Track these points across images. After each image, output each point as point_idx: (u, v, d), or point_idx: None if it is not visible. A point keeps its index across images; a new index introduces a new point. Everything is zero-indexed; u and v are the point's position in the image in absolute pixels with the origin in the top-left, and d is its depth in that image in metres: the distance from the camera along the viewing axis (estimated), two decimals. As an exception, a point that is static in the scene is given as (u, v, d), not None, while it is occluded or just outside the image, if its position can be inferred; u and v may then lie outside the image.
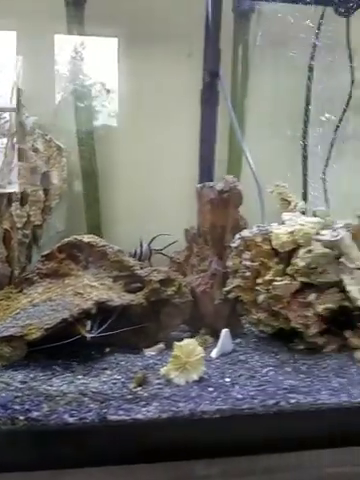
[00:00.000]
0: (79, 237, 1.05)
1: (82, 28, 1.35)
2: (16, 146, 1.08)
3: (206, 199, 1.13)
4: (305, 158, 1.47)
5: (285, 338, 1.02)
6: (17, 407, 0.70)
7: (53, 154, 1.20)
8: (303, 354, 0.97)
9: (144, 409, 0.73)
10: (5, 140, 1.07)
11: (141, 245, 1.27)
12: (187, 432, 0.72)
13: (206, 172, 1.32)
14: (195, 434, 0.72)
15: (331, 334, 0.96)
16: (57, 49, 1.34)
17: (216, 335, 1.05)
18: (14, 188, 1.06)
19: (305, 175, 1.47)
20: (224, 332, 1.01)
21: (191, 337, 1.13)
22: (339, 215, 1.18)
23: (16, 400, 0.73)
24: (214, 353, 0.99)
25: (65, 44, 1.34)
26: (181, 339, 0.90)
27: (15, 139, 1.07)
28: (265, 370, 0.90)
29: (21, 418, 0.67)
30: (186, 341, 0.88)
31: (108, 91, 1.36)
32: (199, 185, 1.16)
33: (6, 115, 1.08)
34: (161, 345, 1.03)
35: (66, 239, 1.04)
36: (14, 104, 1.09)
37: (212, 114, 1.28)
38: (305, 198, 1.46)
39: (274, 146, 1.46)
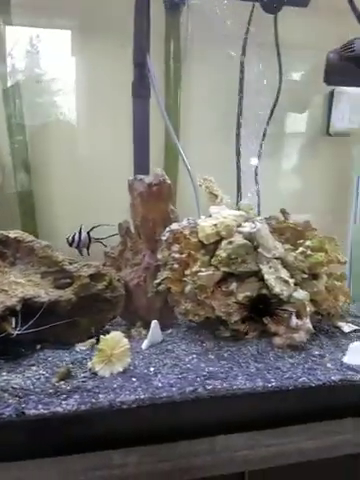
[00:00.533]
0: (5, 233, 1.03)
1: (9, 17, 1.31)
2: None
3: (137, 192, 1.15)
4: (238, 152, 1.51)
5: (212, 327, 1.07)
6: None
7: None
8: (227, 341, 1.02)
9: (64, 402, 0.74)
10: None
11: (80, 232, 1.24)
12: (106, 423, 0.75)
13: (141, 165, 1.33)
14: (114, 424, 0.75)
15: (252, 321, 1.01)
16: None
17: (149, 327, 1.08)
18: None
19: (238, 169, 1.51)
20: (153, 323, 1.05)
21: (127, 330, 1.17)
22: (270, 209, 1.25)
23: None
24: (144, 344, 1.02)
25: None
26: (106, 333, 0.92)
27: None
28: (189, 358, 0.94)
29: None
30: (112, 334, 0.91)
31: (37, 81, 1.33)
32: (130, 178, 1.17)
33: None
34: (93, 340, 1.04)
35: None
36: None
37: (144, 107, 1.28)
38: (239, 192, 1.51)
39: (210, 140, 1.50)
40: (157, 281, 1.10)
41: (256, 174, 1.48)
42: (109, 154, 1.45)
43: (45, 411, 0.71)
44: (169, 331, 1.11)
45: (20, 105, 1.35)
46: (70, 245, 1.24)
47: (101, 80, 1.41)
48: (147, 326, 1.11)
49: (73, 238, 1.23)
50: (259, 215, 1.33)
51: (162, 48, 1.43)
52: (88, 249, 1.26)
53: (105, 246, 1.26)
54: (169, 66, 1.44)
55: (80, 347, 1.02)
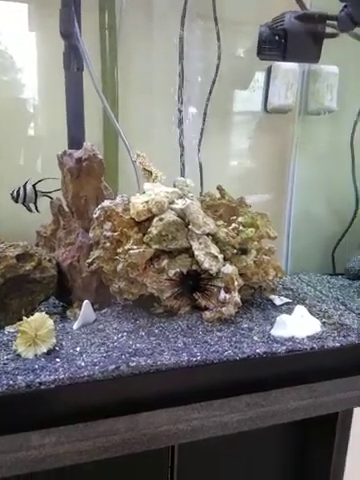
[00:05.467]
0: None
1: None
2: None
3: (66, 168, 1.10)
4: (181, 129, 1.49)
5: (146, 304, 1.07)
6: None
7: None
8: (160, 318, 1.02)
9: (-19, 385, 0.72)
10: None
11: (25, 186, 1.16)
12: (23, 405, 0.73)
13: (75, 141, 1.27)
14: (31, 406, 0.73)
15: (184, 297, 1.01)
16: None
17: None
18: None
19: (181, 147, 1.49)
20: (85, 303, 1.03)
21: (63, 311, 1.15)
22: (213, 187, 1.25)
23: None
24: (75, 325, 1.01)
25: None
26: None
27: None
28: (118, 336, 0.93)
29: None
30: (35, 315, 0.88)
31: None
32: (59, 153, 1.13)
33: None
34: (22, 322, 1.01)
35: None
36: None
37: (76, 79, 1.23)
38: (183, 170, 1.50)
39: (151, 117, 1.46)
40: (89, 260, 1.08)
41: (198, 151, 1.47)
42: (46, 129, 1.39)
43: None
44: (104, 310, 1.10)
45: None
46: (16, 201, 1.16)
47: (37, 53, 1.34)
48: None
49: (18, 193, 1.15)
50: (201, 193, 1.34)
51: (96, 21, 1.37)
52: (36, 204, 1.19)
53: (52, 199, 1.19)
54: (104, 40, 1.38)
55: (8, 330, 0.98)
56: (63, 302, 1.19)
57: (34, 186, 1.18)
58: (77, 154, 1.09)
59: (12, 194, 1.16)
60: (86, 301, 1.03)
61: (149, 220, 1.05)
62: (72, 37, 1.17)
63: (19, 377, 0.75)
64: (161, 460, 0.89)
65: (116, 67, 1.41)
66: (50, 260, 1.11)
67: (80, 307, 1.11)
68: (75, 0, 1.19)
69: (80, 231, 1.15)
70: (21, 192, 1.16)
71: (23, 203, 1.17)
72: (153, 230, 1.01)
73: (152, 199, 1.02)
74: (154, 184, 1.12)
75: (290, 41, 1.10)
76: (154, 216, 1.03)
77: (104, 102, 1.25)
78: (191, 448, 0.85)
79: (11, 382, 0.74)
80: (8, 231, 1.17)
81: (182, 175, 1.48)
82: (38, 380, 0.75)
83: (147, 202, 1.03)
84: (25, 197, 1.17)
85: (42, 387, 0.74)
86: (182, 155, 1.49)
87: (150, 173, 1.15)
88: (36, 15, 1.31)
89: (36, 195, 1.19)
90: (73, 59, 1.21)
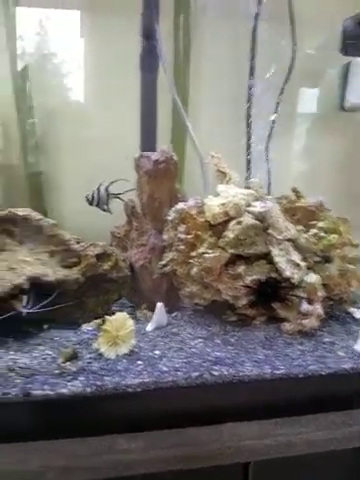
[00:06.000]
0: (14, 210, 1.00)
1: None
2: None
3: (143, 170, 1.11)
4: (249, 129, 1.46)
5: (218, 310, 1.05)
6: None
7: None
8: (234, 326, 1.00)
9: (70, 384, 0.73)
10: None
11: (98, 189, 1.19)
12: (111, 406, 0.73)
13: (148, 142, 1.28)
14: (119, 408, 0.74)
15: (261, 306, 0.98)
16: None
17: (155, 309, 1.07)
18: None
19: (249, 147, 1.46)
20: (159, 306, 1.03)
21: (132, 312, 1.15)
22: (281, 189, 1.21)
23: None
24: (149, 327, 1.01)
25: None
26: (111, 314, 0.90)
27: None
28: (195, 342, 0.92)
29: None
30: (117, 315, 0.89)
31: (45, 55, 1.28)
32: (136, 155, 1.13)
33: None
34: (99, 320, 1.02)
35: (0, 213, 1.00)
36: None
37: (152, 80, 1.23)
38: (248, 171, 1.46)
39: (219, 117, 1.44)
40: (162, 262, 1.08)
41: (267, 152, 1.43)
42: (117, 133, 1.40)
43: (51, 392, 0.70)
44: (174, 314, 1.09)
45: (29, 86, 1.30)
46: (90, 203, 1.19)
47: (109, 59, 1.36)
48: (152, 308, 1.09)
49: (93, 196, 1.18)
50: (269, 195, 1.30)
51: (171, 22, 1.36)
52: (108, 205, 1.20)
53: (123, 201, 1.20)
54: (178, 40, 1.37)
55: (86, 328, 1.00)
56: (131, 302, 1.20)
57: (107, 188, 1.19)
58: (154, 156, 1.09)
59: (87, 198, 1.18)
60: (160, 304, 1.03)
61: (224, 223, 1.03)
62: (152, 39, 1.17)
63: (106, 378, 0.76)
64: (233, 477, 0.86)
65: (188, 68, 1.40)
66: (124, 260, 1.12)
67: (149, 308, 1.12)
68: (155, 3, 1.19)
69: (153, 232, 1.15)
70: (95, 195, 1.18)
71: (97, 205, 1.19)
72: (229, 234, 0.98)
73: (229, 201, 0.99)
74: (228, 186, 1.10)
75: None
76: (230, 219, 1.01)
77: (177, 102, 1.25)
78: (266, 465, 0.82)
79: (99, 383, 0.74)
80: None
81: (249, 175, 1.45)
82: (124, 382, 0.75)
83: (223, 204, 1.01)
84: (99, 199, 1.19)
85: (128, 390, 0.74)
86: (249, 155, 1.46)
87: (224, 175, 1.13)
88: (87, 22, 1.33)
89: (108, 197, 1.20)
90: (150, 61, 1.22)
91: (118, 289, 1.09)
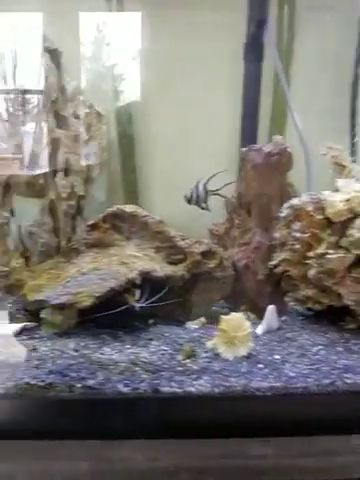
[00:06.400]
0: (121, 207, 1.02)
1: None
2: (45, 129, 1.04)
3: (251, 164, 1.06)
4: (353, 124, 1.37)
5: (334, 316, 0.97)
6: (73, 374, 0.70)
7: (93, 121, 1.14)
8: (354, 334, 0.92)
9: (196, 382, 0.70)
10: (33, 124, 1.04)
11: (197, 187, 1.15)
12: (239, 408, 0.69)
13: (248, 134, 1.24)
14: (248, 411, 0.69)
15: (387, 313, 0.90)
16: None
17: (258, 312, 1.01)
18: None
19: (353, 139, 1.37)
20: (270, 308, 0.97)
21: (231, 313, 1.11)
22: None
23: (71, 368, 0.72)
24: (260, 330, 0.95)
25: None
26: (225, 314, 0.86)
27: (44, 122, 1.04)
28: (316, 349, 0.85)
29: (78, 386, 0.66)
30: (233, 315, 0.84)
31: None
32: (244, 149, 1.08)
33: (34, 99, 1.05)
34: (203, 319, 1.00)
35: (109, 209, 1.01)
36: (41, 86, 1.05)
37: (256, 70, 1.19)
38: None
39: (321, 111, 1.37)
40: (274, 262, 1.02)
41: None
42: (213, 126, 1.38)
43: (179, 390, 0.67)
44: (283, 318, 1.03)
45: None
46: (189, 202, 1.16)
47: (206, 50, 1.34)
48: (254, 310, 1.04)
49: (191, 195, 1.14)
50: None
51: (275, 13, 1.32)
52: (206, 202, 1.16)
53: (223, 197, 1.15)
54: (282, 32, 1.32)
55: (191, 325, 0.97)
56: (229, 303, 1.15)
57: (205, 185, 1.15)
58: (267, 148, 1.04)
59: (186, 197, 1.15)
60: (272, 306, 0.97)
61: (344, 222, 0.95)
62: (261, 27, 1.13)
63: (231, 379, 0.71)
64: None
65: (291, 59, 1.35)
66: (227, 259, 1.08)
67: (252, 310, 1.06)
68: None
69: (257, 231, 1.10)
70: (194, 193, 1.14)
71: (196, 203, 1.15)
72: (356, 233, 0.90)
73: (355, 197, 0.92)
74: (349, 180, 1.02)
75: None
76: (355, 217, 0.93)
77: (287, 92, 1.19)
78: None
79: (225, 383, 0.70)
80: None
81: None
82: (253, 385, 0.70)
83: (348, 201, 0.93)
84: (198, 198, 1.15)
85: (257, 393, 0.69)
86: (354, 147, 1.36)
87: (344, 167, 1.05)
88: (148, 23, 1.30)
89: (207, 194, 1.15)
90: (255, 49, 1.18)
91: (221, 289, 1.05)
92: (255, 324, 0.95)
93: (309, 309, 1.02)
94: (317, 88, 1.37)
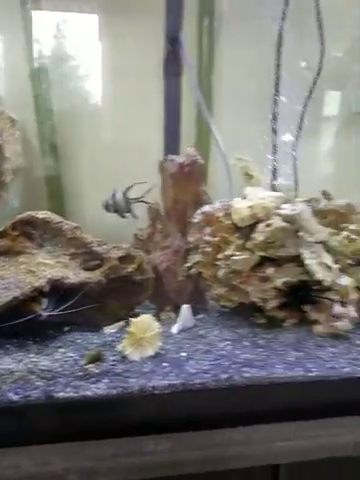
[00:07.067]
0: (33, 213, 1.00)
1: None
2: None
3: (168, 173, 1.10)
4: (274, 132, 1.44)
5: (246, 312, 1.02)
6: None
7: (6, 127, 1.13)
8: (263, 328, 0.97)
9: (93, 386, 0.71)
10: None
11: (114, 195, 1.13)
12: (136, 408, 0.71)
13: (172, 145, 1.28)
14: (145, 410, 0.71)
15: (290, 308, 0.95)
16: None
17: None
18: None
19: (274, 150, 1.44)
20: (184, 308, 1.01)
21: (156, 314, 1.13)
22: (307, 191, 1.18)
23: None
24: (175, 329, 0.98)
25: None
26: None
27: None
28: (223, 344, 0.89)
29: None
30: (142, 317, 0.87)
31: (62, 59, 1.29)
32: (161, 159, 1.13)
33: None
34: (122, 323, 1.01)
35: (19, 216, 0.99)
36: None
37: (176, 84, 1.23)
38: (274, 174, 1.44)
39: (244, 121, 1.43)
40: (188, 265, 1.06)
41: (294, 154, 1.40)
42: (138, 136, 1.40)
43: (74, 394, 0.68)
44: (200, 316, 1.07)
45: (47, 89, 1.32)
46: (107, 210, 1.15)
47: (128, 62, 1.36)
48: (177, 310, 1.08)
49: (107, 202, 1.13)
50: (297, 197, 1.27)
51: (194, 26, 1.36)
52: (130, 211, 1.15)
53: (146, 203, 1.15)
54: (202, 44, 1.37)
55: (109, 330, 0.99)
56: (155, 305, 1.18)
57: (124, 194, 1.16)
58: (180, 159, 1.09)
59: (103, 204, 1.15)
60: (186, 306, 1.01)
61: (251, 226, 1.01)
62: (176, 43, 1.17)
63: (131, 380, 0.74)
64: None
65: (212, 71, 1.39)
66: (148, 263, 1.10)
67: (173, 310, 1.10)
68: (179, 6, 1.20)
69: (177, 235, 1.14)
70: (110, 201, 1.14)
71: (115, 212, 1.16)
72: (258, 236, 0.96)
73: (258, 204, 0.97)
74: (256, 189, 1.08)
75: None
76: (258, 222, 0.99)
77: (203, 106, 1.24)
78: (298, 468, 0.78)
79: (124, 385, 0.72)
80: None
81: (274, 178, 1.43)
82: (150, 384, 0.73)
83: (251, 207, 0.99)
84: (116, 206, 1.15)
85: (155, 392, 0.72)
86: (275, 157, 1.43)
87: (251, 177, 1.11)
88: (106, 25, 1.33)
89: (128, 203, 1.16)
90: (174, 65, 1.22)
91: (142, 292, 1.07)
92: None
93: (224, 306, 1.06)
94: (239, 98, 1.43)
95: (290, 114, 1.42)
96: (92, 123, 1.39)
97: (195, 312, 1.07)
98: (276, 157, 1.41)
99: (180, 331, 0.98)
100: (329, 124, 1.53)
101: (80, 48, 1.36)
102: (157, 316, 1.11)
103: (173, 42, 1.17)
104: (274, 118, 1.42)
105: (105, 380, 0.73)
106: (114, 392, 0.70)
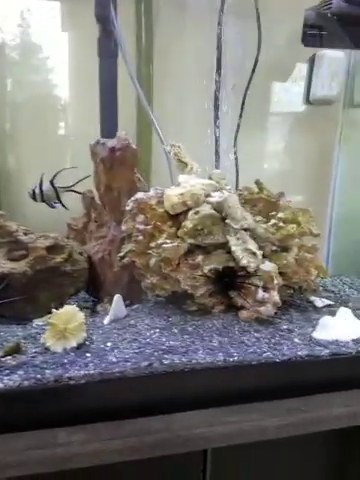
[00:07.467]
0: None
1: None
2: None
3: (99, 158, 1.07)
4: (216, 123, 1.44)
5: (179, 301, 1.02)
6: None
7: None
8: (194, 315, 0.97)
9: (6, 378, 0.69)
10: None
11: (41, 183, 1.09)
12: (50, 400, 0.70)
13: (109, 131, 1.23)
14: (59, 402, 0.70)
15: (219, 294, 0.96)
16: None
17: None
18: None
19: (216, 140, 1.44)
20: (116, 298, 0.99)
21: (94, 306, 1.12)
22: (249, 182, 1.19)
23: None
24: (106, 319, 0.97)
25: None
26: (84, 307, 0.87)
27: None
28: (150, 333, 0.89)
29: None
30: (65, 308, 0.85)
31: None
32: (92, 142, 1.09)
33: None
34: (50, 315, 0.99)
35: None
36: None
37: (110, 66, 1.19)
38: (217, 163, 1.44)
39: (187, 108, 1.42)
40: (121, 254, 1.04)
41: (234, 144, 1.41)
42: (85, 125, 1.37)
43: (-17, 387, 0.66)
44: (136, 306, 1.06)
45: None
46: (34, 199, 1.11)
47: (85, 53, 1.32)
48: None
49: (34, 191, 1.09)
50: (237, 187, 1.28)
51: (132, 7, 1.33)
52: (59, 200, 1.12)
53: (76, 192, 1.13)
54: (140, 27, 1.34)
55: (37, 322, 0.96)
56: (93, 296, 1.16)
57: (52, 182, 1.12)
58: (110, 143, 1.05)
59: (29, 194, 1.11)
60: (117, 296, 1.00)
61: (184, 214, 1.01)
62: (107, 22, 1.13)
63: (47, 371, 0.72)
64: (193, 463, 0.84)
65: (152, 56, 1.37)
66: (81, 253, 1.08)
67: (111, 302, 1.08)
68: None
69: (112, 224, 1.12)
70: (37, 190, 1.10)
71: (42, 201, 1.12)
72: (188, 224, 0.96)
73: (188, 191, 0.97)
74: (189, 176, 1.07)
75: (338, 26, 1.03)
76: (189, 209, 0.99)
77: (138, 90, 1.22)
78: (226, 452, 0.79)
79: (39, 376, 0.70)
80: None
81: (217, 168, 1.43)
82: (67, 375, 0.71)
83: (182, 194, 0.98)
84: (42, 195, 1.11)
85: (71, 382, 0.70)
86: (217, 150, 1.44)
87: (185, 165, 1.10)
88: (69, 14, 1.27)
89: (57, 192, 1.13)
90: (108, 45, 1.18)
91: (74, 283, 1.05)
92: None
93: (158, 295, 1.05)
94: (181, 84, 1.42)
95: (234, 103, 1.43)
96: (39, 113, 1.34)
97: (133, 302, 1.07)
98: (218, 147, 1.42)
99: (111, 321, 0.97)
100: (275, 117, 1.55)
101: (38, 37, 1.30)
102: (94, 308, 1.11)
103: (103, 22, 1.13)
104: (216, 106, 1.43)
105: (20, 372, 0.71)
106: (26, 384, 0.68)
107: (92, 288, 1.15)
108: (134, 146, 1.07)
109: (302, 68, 1.47)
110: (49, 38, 1.30)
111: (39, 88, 1.33)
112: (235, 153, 1.42)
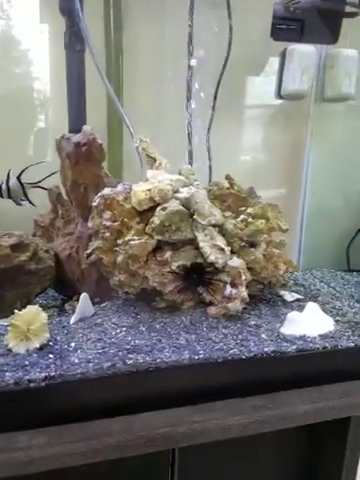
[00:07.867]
0: None
1: None
2: None
3: (65, 153, 1.04)
4: (188, 116, 1.42)
5: (148, 298, 1.00)
6: None
7: None
8: (163, 312, 0.96)
9: None
10: None
11: (8, 179, 1.07)
12: (10, 403, 0.68)
13: (76, 126, 1.21)
14: (19, 405, 0.68)
15: (188, 291, 0.95)
16: None
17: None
18: None
19: (189, 136, 1.43)
20: (82, 296, 0.97)
21: (62, 304, 1.10)
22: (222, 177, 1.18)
23: None
24: (72, 319, 0.95)
25: None
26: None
27: None
28: (117, 331, 0.87)
29: None
30: (28, 308, 0.83)
31: None
32: (57, 137, 1.06)
33: None
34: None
35: None
36: None
37: (77, 59, 1.16)
38: (191, 159, 1.43)
39: (159, 101, 1.40)
40: (88, 251, 1.02)
41: (207, 139, 1.40)
42: (56, 118, 1.33)
43: None
44: (104, 304, 1.04)
45: None
46: (1, 196, 1.09)
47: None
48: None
49: (0, 187, 1.07)
50: (210, 181, 1.27)
51: (100, 6, 1.30)
52: (27, 197, 1.11)
53: (43, 188, 1.12)
54: (108, 19, 1.31)
55: (1, 323, 0.93)
56: (63, 294, 1.14)
57: (19, 178, 1.10)
58: (76, 138, 1.02)
59: None
60: (84, 294, 0.97)
61: (152, 210, 0.99)
62: (72, 14, 1.10)
63: (7, 373, 0.70)
64: (161, 458, 0.83)
65: (121, 49, 1.34)
66: (47, 251, 1.06)
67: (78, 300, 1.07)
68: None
69: (79, 220, 1.10)
70: (4, 186, 1.08)
71: (9, 198, 1.10)
72: (155, 220, 0.94)
73: (155, 187, 0.95)
74: (158, 172, 1.05)
75: (306, 20, 1.02)
76: (157, 205, 0.97)
77: (106, 83, 1.18)
78: (194, 447, 0.79)
79: (-2, 379, 0.69)
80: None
81: (189, 164, 1.42)
82: (27, 377, 0.69)
83: (149, 190, 0.97)
84: (9, 192, 1.09)
85: (31, 385, 0.69)
86: (190, 143, 1.42)
87: (154, 160, 1.08)
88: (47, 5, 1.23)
89: (23, 188, 1.11)
90: (74, 38, 1.15)
91: (40, 281, 1.03)
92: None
93: (127, 293, 1.04)
94: (150, 79, 1.39)
95: (207, 97, 1.42)
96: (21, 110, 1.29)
97: (101, 301, 1.05)
98: (191, 144, 1.40)
99: (78, 321, 0.95)
100: (247, 111, 1.54)
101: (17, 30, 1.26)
102: (62, 306, 1.08)
103: (69, 14, 1.09)
104: (188, 100, 1.41)
105: (-23, 375, 0.69)
106: (-17, 388, 0.66)
107: (61, 286, 1.13)
108: (100, 141, 1.04)
109: (275, 62, 1.47)
110: (28, 30, 1.26)
111: (18, 81, 1.29)
112: (208, 148, 1.41)
